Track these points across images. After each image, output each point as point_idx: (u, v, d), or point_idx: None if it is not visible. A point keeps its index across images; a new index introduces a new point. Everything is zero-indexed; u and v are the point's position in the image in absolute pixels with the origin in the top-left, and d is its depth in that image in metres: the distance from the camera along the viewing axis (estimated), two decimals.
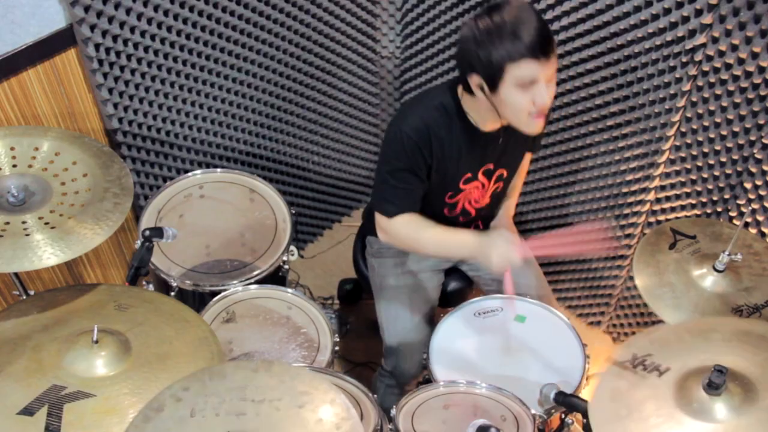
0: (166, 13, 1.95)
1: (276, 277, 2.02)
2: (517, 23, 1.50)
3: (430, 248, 1.83)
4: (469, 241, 1.76)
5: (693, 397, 1.25)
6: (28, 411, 1.26)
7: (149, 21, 1.93)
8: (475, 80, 1.59)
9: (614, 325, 2.68)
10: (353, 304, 2.77)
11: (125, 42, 1.91)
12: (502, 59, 1.51)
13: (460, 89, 1.71)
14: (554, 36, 1.56)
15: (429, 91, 1.80)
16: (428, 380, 1.80)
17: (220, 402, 1.19)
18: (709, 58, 1.86)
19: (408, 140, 1.68)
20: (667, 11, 1.85)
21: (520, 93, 1.56)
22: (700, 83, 1.92)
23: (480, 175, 1.84)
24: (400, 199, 1.76)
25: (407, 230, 1.79)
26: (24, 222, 1.51)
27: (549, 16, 2.09)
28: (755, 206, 2.00)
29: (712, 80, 1.89)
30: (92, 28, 1.82)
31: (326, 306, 2.73)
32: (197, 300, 1.94)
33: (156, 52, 2.00)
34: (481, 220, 2.02)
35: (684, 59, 1.88)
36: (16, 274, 1.78)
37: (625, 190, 2.26)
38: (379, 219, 1.81)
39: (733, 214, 2.06)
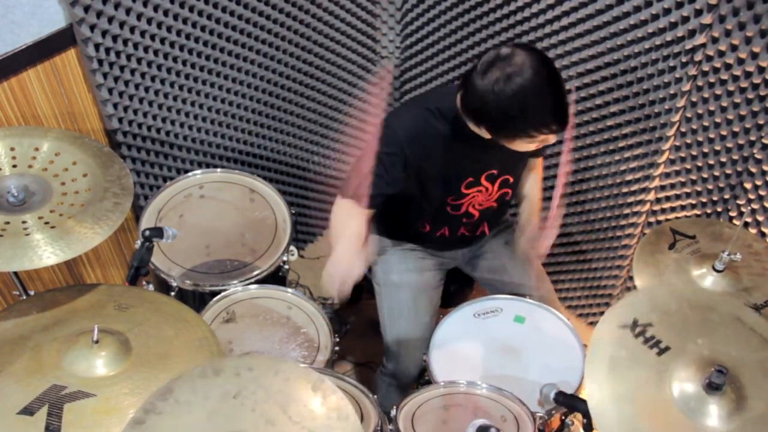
0: (166, 13, 1.95)
1: (276, 277, 2.02)
2: (540, 95, 1.51)
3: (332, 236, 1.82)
4: (332, 257, 1.74)
5: (690, 394, 1.26)
6: (28, 411, 1.26)
7: (149, 21, 1.93)
8: (480, 123, 1.62)
9: None
10: (353, 304, 2.77)
11: (125, 42, 1.91)
12: (518, 132, 1.57)
13: (459, 97, 1.69)
14: (569, 104, 1.57)
15: (429, 94, 1.81)
16: (428, 381, 1.80)
17: (264, 400, 1.18)
18: (709, 58, 1.86)
19: (395, 136, 1.70)
20: (667, 11, 1.85)
21: (529, 143, 1.62)
22: (700, 83, 1.92)
23: (483, 180, 1.84)
24: (373, 187, 1.75)
25: (341, 213, 1.81)
26: (24, 222, 1.51)
27: (549, 16, 2.09)
28: (755, 206, 2.00)
29: (712, 80, 1.89)
30: (92, 28, 1.82)
31: (326, 306, 2.73)
32: (197, 300, 1.94)
33: (156, 52, 2.00)
34: (487, 223, 2.02)
35: (684, 59, 1.88)
36: (16, 274, 1.77)
37: (625, 190, 2.26)
38: (336, 201, 1.83)
39: (733, 214, 2.06)
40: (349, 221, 1.77)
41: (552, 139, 1.62)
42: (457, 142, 1.73)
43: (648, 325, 1.35)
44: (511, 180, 1.89)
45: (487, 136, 1.64)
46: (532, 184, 2.02)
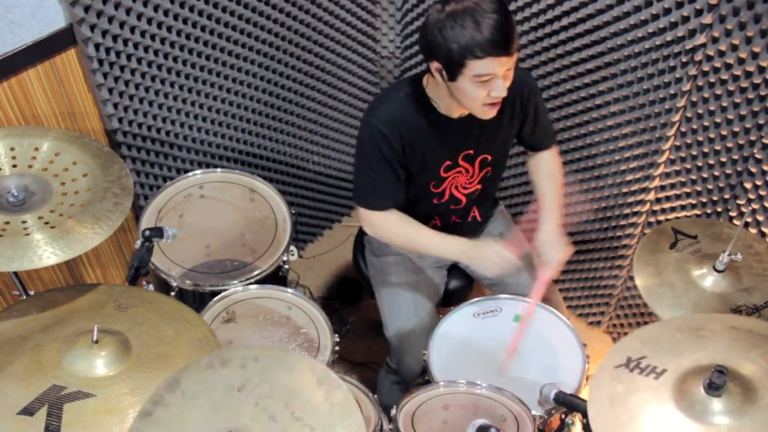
0: (166, 13, 1.95)
1: (276, 277, 2.02)
2: (480, 17, 1.48)
3: (420, 248, 1.85)
4: (459, 246, 1.78)
5: (694, 399, 1.25)
6: (28, 411, 1.26)
7: (149, 21, 1.93)
8: (435, 65, 1.59)
9: (614, 325, 2.68)
10: (353, 304, 2.77)
11: (125, 42, 1.91)
12: (462, 54, 1.51)
13: (426, 78, 1.72)
14: (516, 29, 1.54)
15: (395, 85, 1.81)
16: (428, 380, 1.80)
17: (268, 395, 1.17)
18: (709, 58, 1.86)
19: (378, 133, 1.69)
20: (667, 11, 1.85)
21: (477, 86, 1.56)
22: (700, 83, 1.92)
23: (460, 161, 1.83)
24: (382, 191, 1.78)
25: (395, 228, 1.81)
26: (24, 222, 1.51)
27: (549, 15, 2.09)
28: (755, 206, 2.00)
29: (712, 80, 1.89)
30: (92, 28, 1.82)
31: (326, 306, 2.73)
32: (197, 300, 1.94)
33: (156, 52, 2.00)
34: (477, 207, 2.00)
35: (684, 59, 1.88)
36: (16, 273, 1.78)
37: (625, 190, 2.26)
38: (364, 213, 1.82)
39: (733, 214, 2.06)
40: (408, 226, 1.81)
41: (500, 85, 1.56)
42: (429, 124, 1.73)
43: (641, 358, 1.35)
44: (490, 158, 1.86)
45: (444, 83, 1.61)
46: (545, 174, 1.95)
